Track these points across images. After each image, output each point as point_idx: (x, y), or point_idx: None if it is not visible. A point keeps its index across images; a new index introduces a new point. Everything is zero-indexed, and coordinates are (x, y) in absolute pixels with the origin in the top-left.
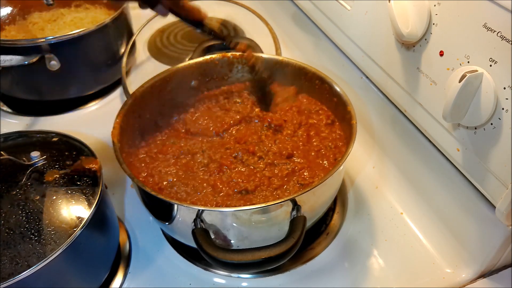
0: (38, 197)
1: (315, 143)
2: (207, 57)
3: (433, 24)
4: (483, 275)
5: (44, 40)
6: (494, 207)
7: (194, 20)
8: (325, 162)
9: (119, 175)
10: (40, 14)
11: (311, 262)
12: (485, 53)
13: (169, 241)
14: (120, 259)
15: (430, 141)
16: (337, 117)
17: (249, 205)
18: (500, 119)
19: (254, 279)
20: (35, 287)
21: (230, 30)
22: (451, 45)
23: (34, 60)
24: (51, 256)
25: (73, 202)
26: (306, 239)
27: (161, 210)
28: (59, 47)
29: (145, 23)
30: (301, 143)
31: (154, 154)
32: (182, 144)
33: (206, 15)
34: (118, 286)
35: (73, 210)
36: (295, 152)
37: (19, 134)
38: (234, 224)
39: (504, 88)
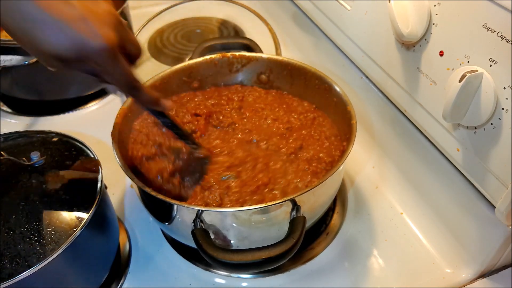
0: (38, 197)
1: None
2: (207, 57)
3: (433, 24)
4: (483, 275)
5: None
6: (494, 207)
7: (154, 109)
8: None
9: (119, 175)
10: None
11: (311, 262)
12: (485, 53)
13: (169, 241)
14: (120, 259)
15: (430, 141)
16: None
17: (249, 205)
18: (500, 119)
19: (254, 279)
20: (35, 287)
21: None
22: (451, 45)
23: (34, 60)
24: (51, 256)
25: (73, 202)
26: (306, 239)
27: (161, 210)
28: None
29: (145, 23)
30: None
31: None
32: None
33: (168, 107)
34: (118, 286)
35: (73, 210)
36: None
37: (19, 134)
38: (234, 224)
39: (504, 88)
